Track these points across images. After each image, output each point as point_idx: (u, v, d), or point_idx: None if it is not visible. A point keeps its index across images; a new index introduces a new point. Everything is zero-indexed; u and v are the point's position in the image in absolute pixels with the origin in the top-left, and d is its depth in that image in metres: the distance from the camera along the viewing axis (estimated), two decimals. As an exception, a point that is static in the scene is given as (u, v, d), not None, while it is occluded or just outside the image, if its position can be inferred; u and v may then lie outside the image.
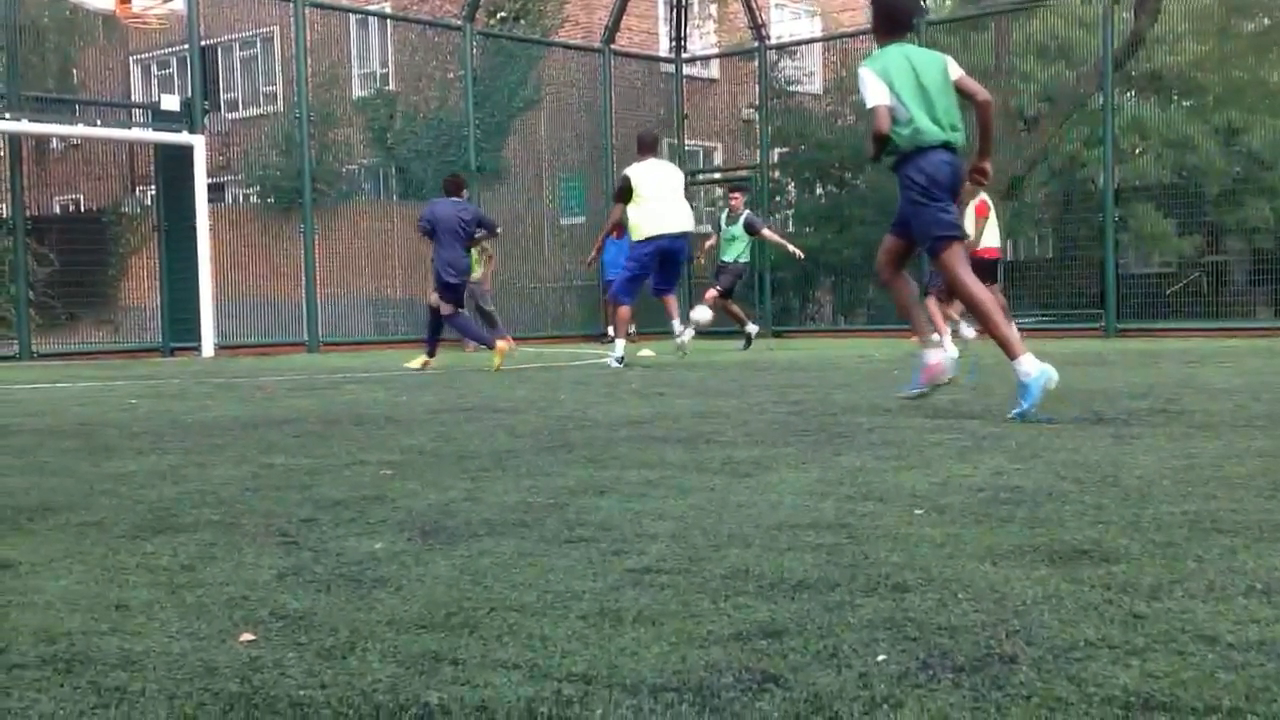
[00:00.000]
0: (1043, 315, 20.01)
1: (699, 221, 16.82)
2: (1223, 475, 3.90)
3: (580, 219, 19.66)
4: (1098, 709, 1.80)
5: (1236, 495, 3.53)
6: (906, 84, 5.98)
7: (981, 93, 6.15)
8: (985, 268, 14.63)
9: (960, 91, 6.10)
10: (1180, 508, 3.35)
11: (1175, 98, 24.75)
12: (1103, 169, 17.26)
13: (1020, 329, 18.05)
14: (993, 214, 14.12)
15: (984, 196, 14.70)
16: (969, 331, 12.58)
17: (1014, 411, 5.66)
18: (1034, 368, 5.65)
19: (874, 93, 5.97)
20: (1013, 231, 21.94)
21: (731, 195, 15.96)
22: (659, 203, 11.26)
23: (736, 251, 15.42)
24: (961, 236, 6.18)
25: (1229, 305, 19.88)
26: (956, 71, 6.14)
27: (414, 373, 11.00)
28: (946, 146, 6.01)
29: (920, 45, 7.31)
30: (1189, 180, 22.03)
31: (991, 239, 14.41)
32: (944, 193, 6.00)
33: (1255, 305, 19.50)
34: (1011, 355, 5.75)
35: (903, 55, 6.08)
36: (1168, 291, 19.94)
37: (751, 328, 15.40)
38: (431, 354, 11.72)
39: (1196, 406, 6.19)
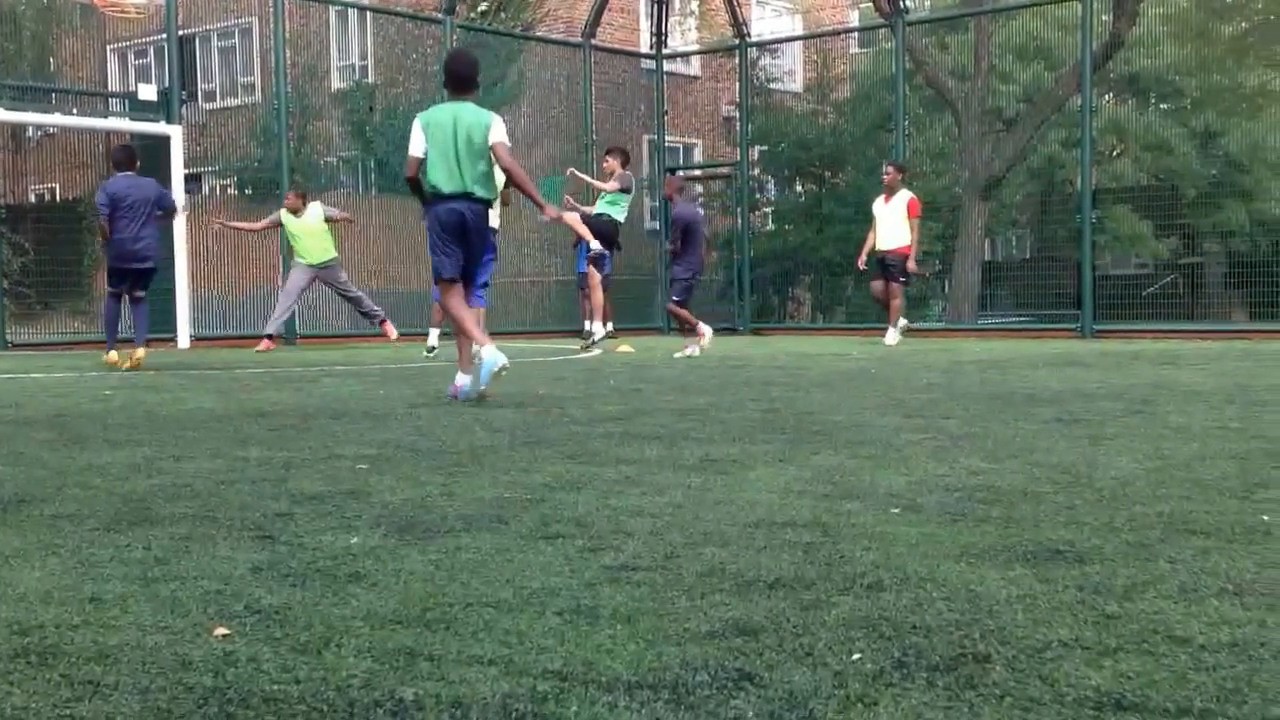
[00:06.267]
0: (1019, 316, 20.09)
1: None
2: (1196, 477, 3.92)
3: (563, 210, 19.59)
4: (1070, 709, 1.82)
5: (1210, 497, 3.56)
6: (440, 140, 7.01)
7: (504, 160, 7.15)
8: (900, 265, 14.61)
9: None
10: (1154, 509, 3.37)
11: (1153, 100, 24.88)
12: (1080, 171, 17.32)
13: (997, 329, 18.03)
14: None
15: (913, 195, 14.73)
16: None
17: (476, 384, 6.91)
18: (492, 353, 6.76)
19: (413, 143, 7.08)
20: (990, 232, 22.02)
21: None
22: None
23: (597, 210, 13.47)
24: (452, 280, 7.17)
25: (1205, 307, 19.99)
26: (495, 137, 7.09)
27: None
28: (467, 196, 7.06)
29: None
30: (1166, 182, 22.15)
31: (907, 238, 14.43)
32: (452, 236, 7.10)
33: (1231, 307, 19.61)
34: (480, 344, 6.93)
35: (451, 113, 7.09)
36: (1144, 293, 20.04)
37: (598, 326, 13.49)
38: (115, 347, 10.94)
39: (1171, 408, 6.23)
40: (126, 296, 11.11)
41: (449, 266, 7.17)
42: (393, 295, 17.04)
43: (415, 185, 7.22)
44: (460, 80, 7.27)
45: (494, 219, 11.12)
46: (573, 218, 13.32)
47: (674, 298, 12.90)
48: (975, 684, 1.93)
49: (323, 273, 14.85)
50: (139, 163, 11.24)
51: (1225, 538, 2.99)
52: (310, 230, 14.73)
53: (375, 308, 15.08)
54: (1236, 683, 1.92)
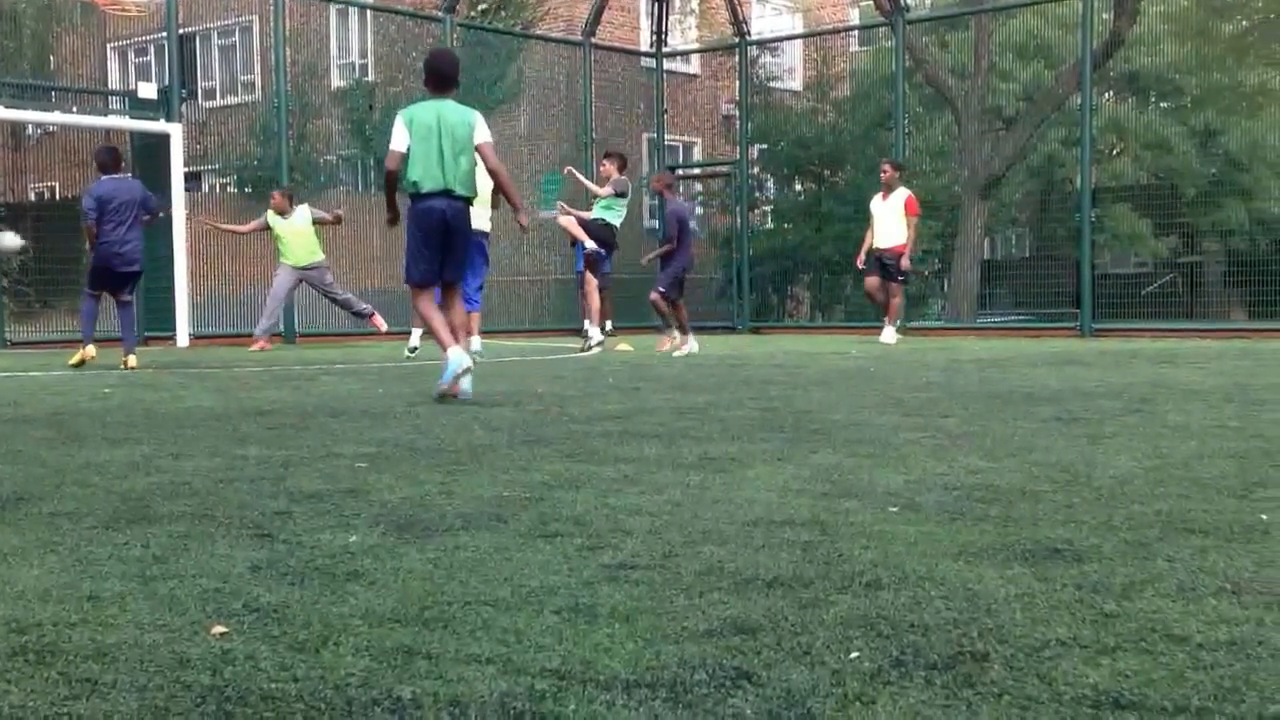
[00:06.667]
0: (1019, 315, 20.09)
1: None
2: (1194, 475, 3.92)
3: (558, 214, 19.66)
4: (1068, 707, 1.82)
5: (1208, 495, 3.56)
6: (423, 137, 7.01)
7: (490, 160, 7.24)
8: (895, 265, 14.61)
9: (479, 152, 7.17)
10: (1152, 507, 3.37)
11: (1153, 99, 24.86)
12: (1080, 169, 17.30)
13: (996, 328, 18.01)
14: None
15: (911, 193, 14.73)
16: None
17: (439, 381, 6.95)
18: (457, 355, 6.88)
19: (396, 138, 7.06)
20: (989, 231, 22.02)
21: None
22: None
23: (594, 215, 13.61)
24: (421, 284, 7.26)
25: (1204, 306, 19.98)
26: (481, 136, 7.17)
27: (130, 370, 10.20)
28: (447, 194, 7.06)
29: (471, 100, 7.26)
30: (1165, 181, 22.13)
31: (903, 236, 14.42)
32: (431, 237, 7.12)
33: (1229, 306, 19.60)
34: (443, 347, 7.00)
35: (434, 111, 7.11)
36: (1143, 292, 20.02)
37: (595, 330, 13.20)
38: (93, 342, 10.77)
39: (1170, 407, 6.23)
40: (111, 298, 11.07)
41: (417, 271, 7.22)
42: (388, 294, 17.04)
43: (391, 183, 7.20)
44: (443, 78, 7.27)
45: (486, 223, 11.15)
46: (568, 221, 13.34)
47: (659, 288, 12.80)
48: (973, 682, 1.93)
49: (308, 274, 14.69)
50: (122, 164, 11.17)
51: (1223, 536, 2.99)
52: (297, 232, 14.58)
53: (362, 306, 14.92)
54: (1234, 681, 1.92)
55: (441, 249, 7.18)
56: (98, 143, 17.65)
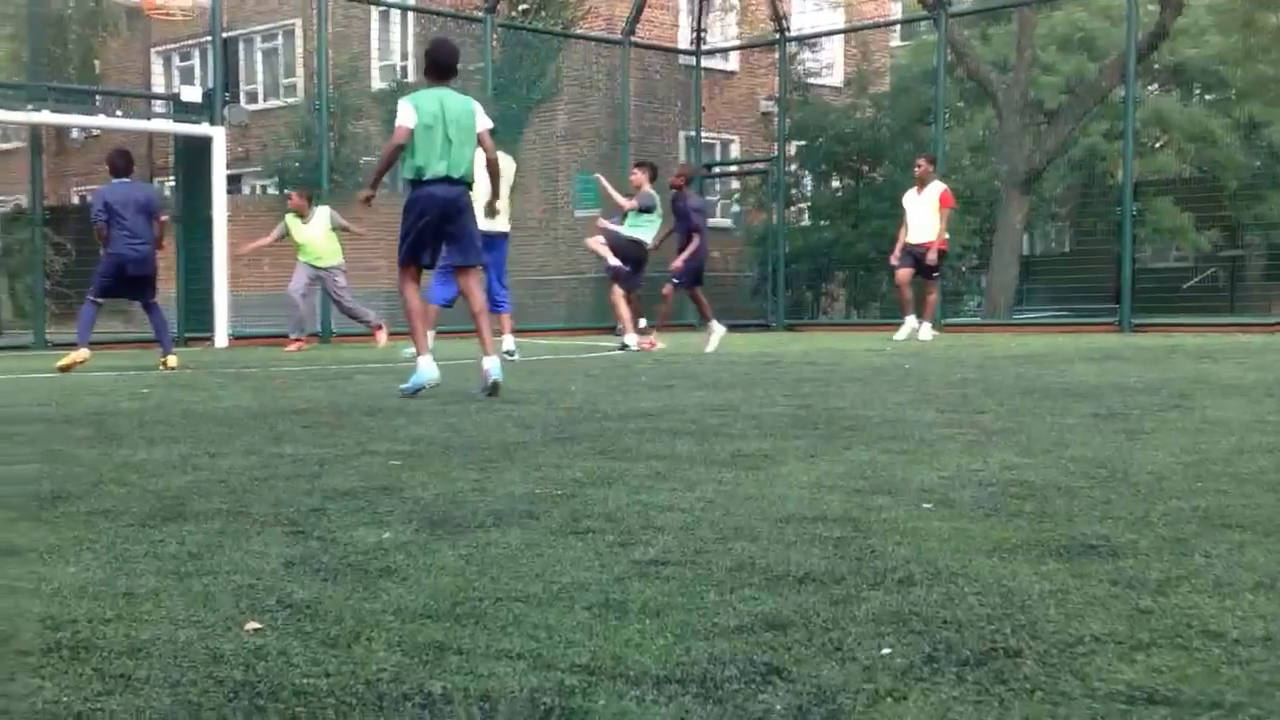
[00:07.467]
0: (1058, 310, 19.93)
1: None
2: (1233, 471, 3.88)
3: (596, 212, 19.71)
4: (1101, 703, 1.80)
5: (1247, 491, 3.52)
6: (428, 125, 7.10)
7: (490, 152, 7.45)
8: (926, 260, 14.52)
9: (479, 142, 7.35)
10: (1190, 503, 3.34)
11: (1198, 91, 24.61)
12: (1122, 163, 17.13)
13: (1034, 324, 17.85)
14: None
15: (946, 187, 14.64)
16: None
17: (401, 386, 7.27)
18: (428, 367, 7.14)
19: (404, 116, 7.11)
20: (1030, 225, 21.85)
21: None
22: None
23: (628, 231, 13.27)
24: (412, 265, 7.36)
25: (1245, 300, 19.76)
26: (485, 124, 7.38)
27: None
28: (448, 180, 7.16)
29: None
30: (1208, 174, 21.90)
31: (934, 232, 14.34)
32: (429, 223, 7.19)
33: (1271, 300, 19.38)
34: (418, 351, 7.28)
35: (437, 98, 7.21)
36: (1184, 286, 19.82)
37: (630, 337, 12.98)
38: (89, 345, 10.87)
39: (1209, 402, 6.16)
40: (141, 306, 11.12)
41: (406, 252, 7.30)
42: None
43: (392, 159, 7.25)
44: (444, 67, 7.38)
45: (505, 223, 11.10)
46: (594, 243, 13.27)
47: (676, 280, 12.80)
48: (1005, 678, 1.91)
49: (324, 274, 14.67)
50: (133, 167, 11.21)
51: (1262, 531, 2.96)
52: (314, 237, 14.54)
53: (369, 316, 14.76)
54: (1271, 676, 1.90)
55: (437, 234, 7.27)
56: (142, 146, 17.85)
